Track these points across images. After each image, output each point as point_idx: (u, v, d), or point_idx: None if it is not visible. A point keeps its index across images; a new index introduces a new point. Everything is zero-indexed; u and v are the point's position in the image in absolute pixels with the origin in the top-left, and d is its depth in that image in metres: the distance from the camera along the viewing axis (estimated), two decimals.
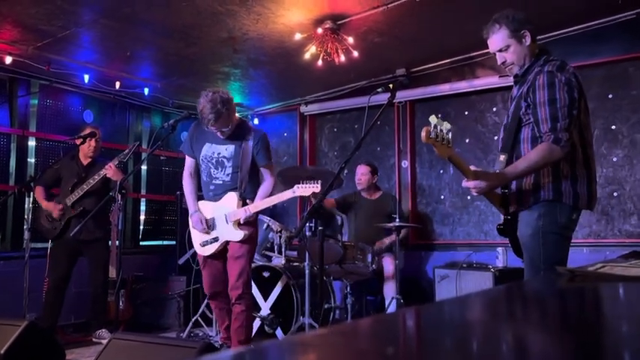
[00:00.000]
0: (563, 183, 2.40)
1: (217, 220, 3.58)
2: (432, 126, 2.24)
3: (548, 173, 2.42)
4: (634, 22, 4.47)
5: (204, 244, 3.63)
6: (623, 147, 4.74)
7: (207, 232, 3.60)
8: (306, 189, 3.48)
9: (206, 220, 3.59)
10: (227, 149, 3.55)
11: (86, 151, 4.69)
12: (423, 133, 2.23)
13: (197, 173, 3.73)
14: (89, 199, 4.55)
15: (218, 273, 3.63)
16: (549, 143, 2.33)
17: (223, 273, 3.62)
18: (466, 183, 2.42)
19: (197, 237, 3.67)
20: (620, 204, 4.74)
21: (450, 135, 2.31)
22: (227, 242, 3.57)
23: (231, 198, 3.53)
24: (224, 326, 3.69)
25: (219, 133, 3.50)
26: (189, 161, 3.72)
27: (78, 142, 4.68)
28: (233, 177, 3.54)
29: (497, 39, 2.53)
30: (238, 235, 3.51)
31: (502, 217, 2.63)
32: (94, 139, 4.67)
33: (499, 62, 2.60)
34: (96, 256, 4.65)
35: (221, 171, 3.56)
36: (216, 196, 3.58)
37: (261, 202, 3.54)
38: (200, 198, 3.72)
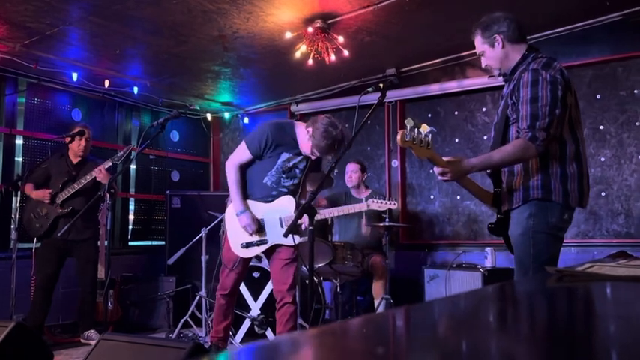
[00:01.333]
0: (553, 181, 2.40)
1: (268, 223, 3.48)
2: (408, 129, 2.26)
3: (537, 171, 2.43)
4: (621, 23, 4.51)
5: (247, 246, 3.50)
6: (611, 147, 4.79)
7: (253, 234, 3.49)
8: (381, 204, 3.59)
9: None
10: (302, 163, 3.50)
11: (76, 150, 4.64)
12: (398, 137, 2.28)
13: (244, 169, 3.55)
14: (78, 198, 4.51)
15: (244, 273, 3.66)
16: (525, 140, 2.34)
17: (245, 274, 3.70)
18: (437, 170, 2.45)
19: (239, 237, 3.51)
20: (607, 204, 4.78)
21: (429, 137, 2.34)
22: (276, 245, 3.50)
23: (289, 202, 3.45)
24: (223, 325, 3.61)
25: (312, 155, 3.44)
26: (246, 156, 3.47)
27: (67, 140, 4.64)
28: (296, 187, 3.52)
29: (476, 45, 2.67)
30: (294, 240, 3.45)
31: (495, 216, 2.64)
32: (84, 139, 4.62)
33: (482, 65, 2.70)
34: (85, 256, 4.62)
35: (291, 181, 3.51)
36: (272, 200, 3.50)
37: (327, 211, 3.64)
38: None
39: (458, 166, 2.42)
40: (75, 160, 4.68)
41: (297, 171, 3.51)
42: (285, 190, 3.50)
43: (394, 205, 3.65)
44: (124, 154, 4.42)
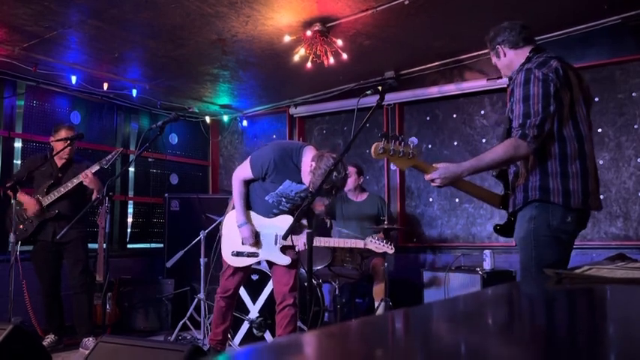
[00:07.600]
0: (552, 181, 2.36)
1: (263, 237, 3.53)
2: (383, 141, 2.26)
3: (536, 172, 2.40)
4: (620, 26, 4.53)
5: (237, 254, 3.54)
6: (610, 150, 4.79)
7: (245, 244, 3.52)
8: (378, 246, 3.64)
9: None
10: (304, 191, 3.48)
11: (60, 153, 4.50)
12: (372, 149, 2.29)
13: (249, 182, 3.58)
14: (64, 201, 4.44)
15: (244, 277, 3.68)
16: (516, 138, 2.34)
17: (245, 277, 3.72)
18: (427, 176, 2.45)
19: (230, 245, 3.56)
20: (606, 207, 4.78)
21: (412, 146, 2.35)
22: (268, 261, 3.57)
23: (287, 220, 3.47)
24: (222, 328, 3.64)
25: (309, 188, 3.38)
26: (249, 175, 3.47)
27: (57, 145, 4.48)
28: (297, 207, 3.51)
29: (492, 59, 2.75)
30: (284, 260, 3.50)
31: (496, 217, 2.65)
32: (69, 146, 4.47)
33: (503, 76, 2.78)
34: (73, 257, 4.56)
35: (291, 204, 3.53)
36: (274, 216, 3.54)
37: (323, 239, 3.67)
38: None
39: (446, 171, 2.41)
40: (59, 163, 4.58)
41: (299, 198, 3.52)
42: (286, 209, 3.55)
43: (391, 250, 3.70)
44: (112, 157, 4.33)
